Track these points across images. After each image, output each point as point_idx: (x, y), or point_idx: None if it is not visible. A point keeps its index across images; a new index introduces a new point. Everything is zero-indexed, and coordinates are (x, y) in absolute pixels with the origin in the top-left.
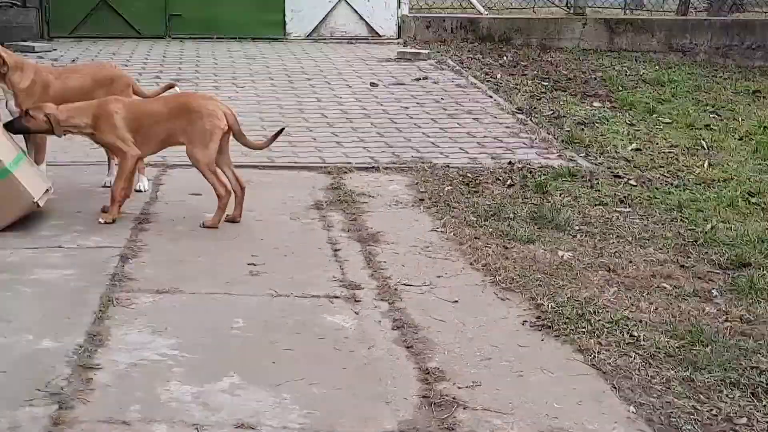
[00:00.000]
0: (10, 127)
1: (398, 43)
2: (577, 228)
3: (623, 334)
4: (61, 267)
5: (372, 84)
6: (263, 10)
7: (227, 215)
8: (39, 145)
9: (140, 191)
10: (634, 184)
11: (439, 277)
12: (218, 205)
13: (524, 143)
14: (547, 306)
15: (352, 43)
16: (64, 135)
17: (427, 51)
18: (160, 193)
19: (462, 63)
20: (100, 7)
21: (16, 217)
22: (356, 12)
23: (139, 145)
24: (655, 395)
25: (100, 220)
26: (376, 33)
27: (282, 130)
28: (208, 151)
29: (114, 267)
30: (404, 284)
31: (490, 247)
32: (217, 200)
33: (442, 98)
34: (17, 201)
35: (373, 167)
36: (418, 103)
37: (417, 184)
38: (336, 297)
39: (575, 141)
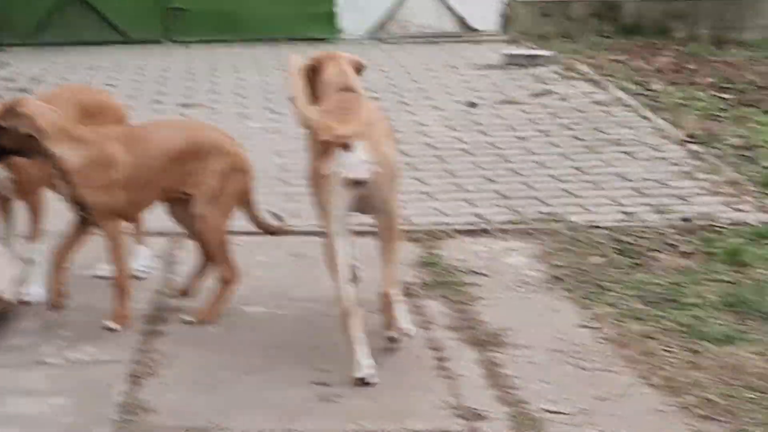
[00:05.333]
0: None
1: (503, 41)
2: None
3: None
4: (45, 393)
5: (470, 104)
6: None
7: (183, 288)
8: (34, 208)
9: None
10: None
11: (598, 399)
12: (219, 293)
13: (702, 188)
14: None
15: (435, 42)
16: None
17: (547, 52)
18: (178, 276)
19: (600, 68)
20: (69, 1)
21: None
22: None
23: (129, 202)
24: None
25: (111, 325)
26: (470, 27)
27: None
28: (226, 218)
29: (123, 392)
30: (549, 411)
31: (669, 351)
32: (217, 284)
33: (575, 123)
34: None
35: (482, 230)
36: (540, 130)
37: (549, 254)
38: None
39: None
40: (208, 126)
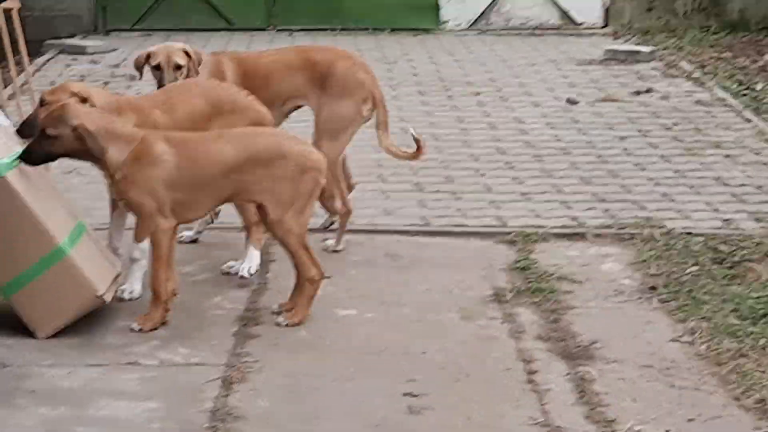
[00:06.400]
0: (29, 158)
1: (605, 35)
2: None
3: None
4: (138, 396)
5: (570, 101)
6: None
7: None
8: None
9: (243, 276)
10: None
11: (690, 420)
12: (304, 293)
13: None
14: None
15: (536, 35)
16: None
17: (649, 48)
18: (272, 275)
19: (703, 66)
20: None
21: (71, 318)
22: None
23: (184, 207)
24: None
25: (134, 326)
26: (572, 20)
27: None
28: (304, 218)
29: (213, 398)
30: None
31: (764, 372)
32: (301, 285)
33: (675, 123)
34: (74, 295)
35: (576, 234)
36: (639, 130)
37: (644, 261)
38: None
39: None
40: (269, 131)
